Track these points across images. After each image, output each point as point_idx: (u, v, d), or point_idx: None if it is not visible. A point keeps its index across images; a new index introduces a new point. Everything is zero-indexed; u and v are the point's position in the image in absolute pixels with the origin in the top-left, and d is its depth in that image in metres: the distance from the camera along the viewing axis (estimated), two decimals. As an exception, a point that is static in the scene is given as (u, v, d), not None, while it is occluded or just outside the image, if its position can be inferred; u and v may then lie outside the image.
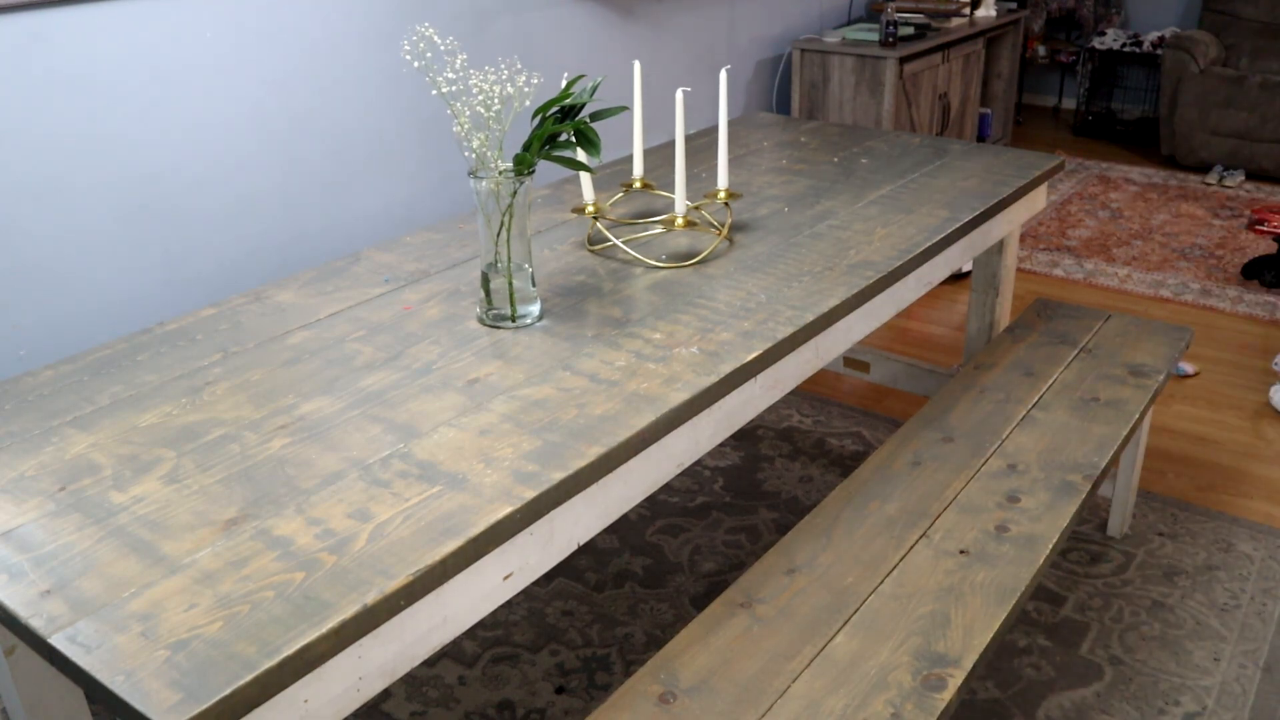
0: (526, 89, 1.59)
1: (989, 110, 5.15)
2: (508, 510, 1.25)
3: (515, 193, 1.60)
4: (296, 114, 2.57)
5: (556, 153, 1.63)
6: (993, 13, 4.82)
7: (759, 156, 2.58)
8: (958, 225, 2.10)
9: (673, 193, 2.01)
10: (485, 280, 1.69)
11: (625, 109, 1.71)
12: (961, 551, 1.68)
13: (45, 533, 1.23)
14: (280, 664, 1.03)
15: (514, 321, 1.70)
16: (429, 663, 2.15)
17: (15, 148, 2.08)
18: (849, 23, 4.65)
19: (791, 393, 3.15)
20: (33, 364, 2.18)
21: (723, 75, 1.99)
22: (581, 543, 1.40)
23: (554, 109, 1.62)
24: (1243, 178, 4.96)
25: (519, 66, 1.61)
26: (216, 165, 2.43)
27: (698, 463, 2.83)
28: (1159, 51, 5.44)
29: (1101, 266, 4.08)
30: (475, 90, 1.57)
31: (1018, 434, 2.01)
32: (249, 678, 1.01)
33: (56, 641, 1.06)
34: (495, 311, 1.70)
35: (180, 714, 0.97)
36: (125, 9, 2.19)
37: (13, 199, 2.09)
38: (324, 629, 1.07)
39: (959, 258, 2.20)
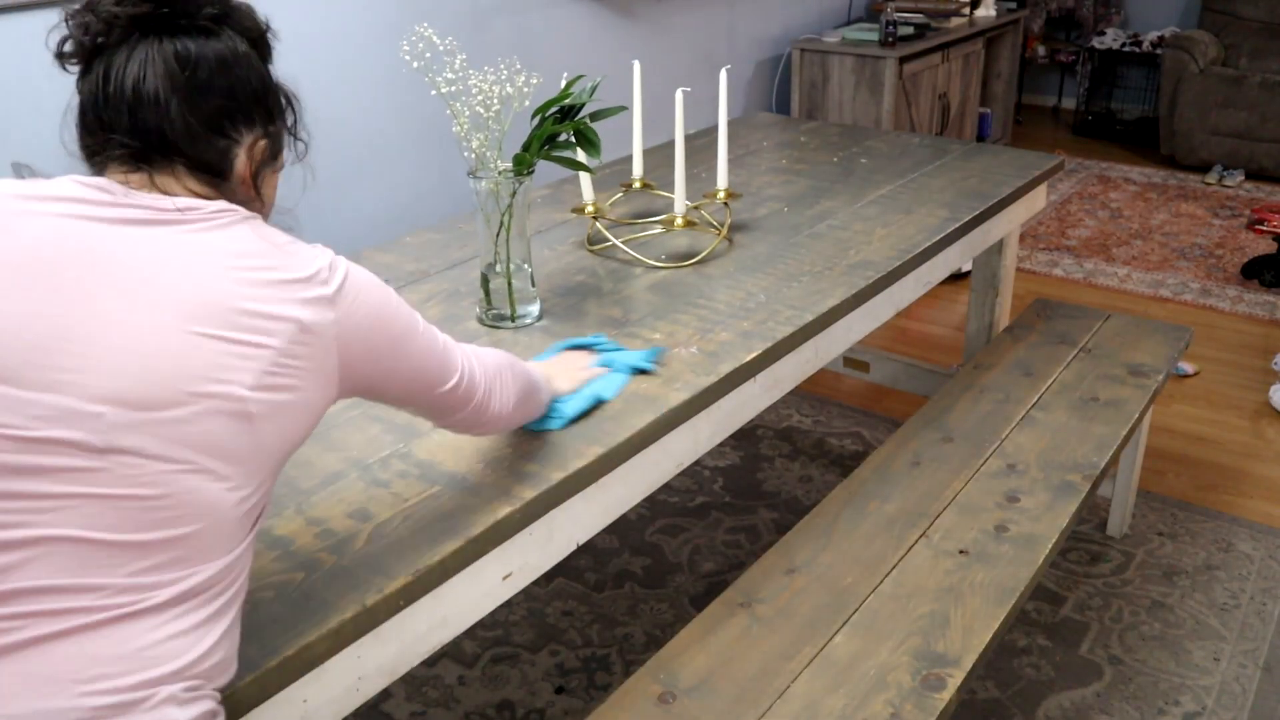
0: (526, 89, 1.59)
1: (989, 110, 5.15)
2: (507, 510, 1.25)
3: (515, 193, 1.60)
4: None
5: (556, 153, 1.63)
6: (992, 13, 4.82)
7: (759, 156, 2.58)
8: (957, 225, 2.10)
9: (672, 193, 2.01)
10: (485, 280, 1.69)
11: (625, 109, 1.71)
12: (961, 551, 1.68)
13: (45, 533, 1.23)
14: (280, 664, 1.03)
15: (514, 321, 1.70)
16: (429, 663, 2.15)
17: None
18: (849, 23, 4.65)
19: (791, 393, 3.15)
20: (33, 364, 2.18)
21: (722, 75, 1.99)
22: (581, 543, 1.40)
23: (553, 109, 1.62)
24: (1242, 177, 4.96)
25: (518, 66, 1.61)
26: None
27: (697, 463, 2.83)
28: (1159, 51, 5.44)
29: (1101, 266, 4.08)
30: (475, 90, 1.57)
31: (1017, 434, 2.01)
32: (249, 677, 1.01)
33: (56, 641, 1.06)
34: (495, 311, 1.70)
35: (180, 714, 0.97)
36: (125, 9, 2.18)
37: (12, 199, 2.09)
38: (323, 629, 1.07)
39: (958, 258, 2.20)
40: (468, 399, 1.16)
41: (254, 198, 1.02)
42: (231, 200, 0.97)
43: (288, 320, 0.91)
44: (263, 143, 1.01)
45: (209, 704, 0.89)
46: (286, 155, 1.08)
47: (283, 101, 1.04)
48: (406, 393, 1.09)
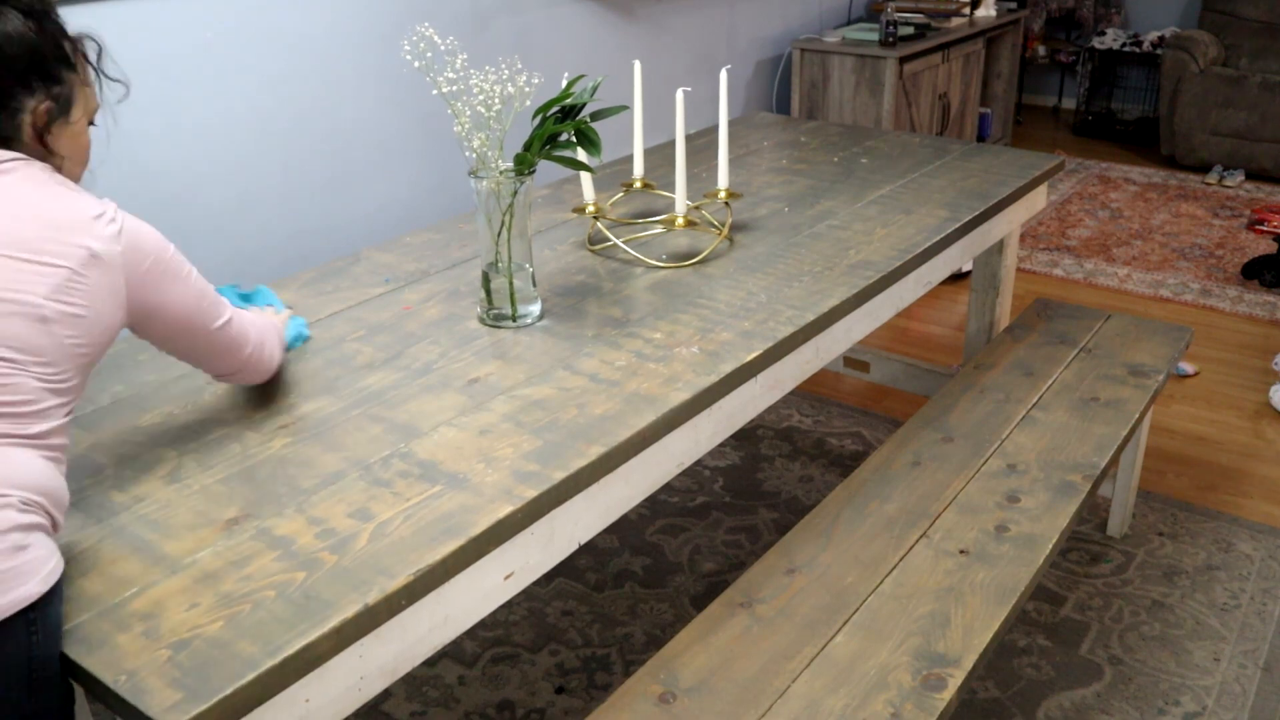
0: (527, 89, 1.59)
1: (989, 110, 5.15)
2: (508, 510, 1.25)
3: (515, 193, 1.60)
4: (296, 114, 2.57)
5: (557, 152, 1.63)
6: (993, 12, 4.82)
7: (759, 156, 2.58)
8: (958, 225, 2.10)
9: (673, 192, 2.01)
10: (485, 280, 1.69)
11: (625, 109, 1.71)
12: (961, 551, 1.68)
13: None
14: (281, 663, 1.03)
15: (514, 321, 1.70)
16: (429, 663, 2.15)
17: None
18: (849, 23, 4.65)
19: (791, 393, 3.15)
20: (33, 364, 2.18)
21: (723, 75, 1.99)
22: (582, 542, 1.40)
23: (554, 109, 1.62)
24: (1243, 178, 4.96)
25: (519, 66, 1.61)
26: (216, 164, 2.43)
27: (698, 463, 2.83)
28: (1159, 51, 5.44)
29: (1101, 266, 4.08)
30: (475, 90, 1.57)
31: (1018, 434, 2.01)
32: (250, 677, 1.01)
33: (57, 641, 1.07)
34: (495, 311, 1.70)
35: (181, 713, 0.98)
36: (125, 9, 2.19)
37: (13, 199, 2.09)
38: (325, 628, 1.07)
39: (959, 258, 2.20)
40: (241, 344, 1.36)
41: (48, 153, 1.18)
42: (30, 156, 1.14)
43: (80, 247, 1.11)
44: (45, 105, 1.16)
45: (38, 519, 1.07)
46: (105, 96, 1.25)
47: (69, 55, 1.18)
48: (185, 322, 1.26)
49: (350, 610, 1.09)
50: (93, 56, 1.22)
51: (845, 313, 1.80)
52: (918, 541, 1.71)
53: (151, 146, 2.29)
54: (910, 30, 4.23)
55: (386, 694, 2.08)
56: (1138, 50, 5.62)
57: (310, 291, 1.87)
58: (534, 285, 1.72)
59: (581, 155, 1.73)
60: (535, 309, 1.72)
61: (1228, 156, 5.01)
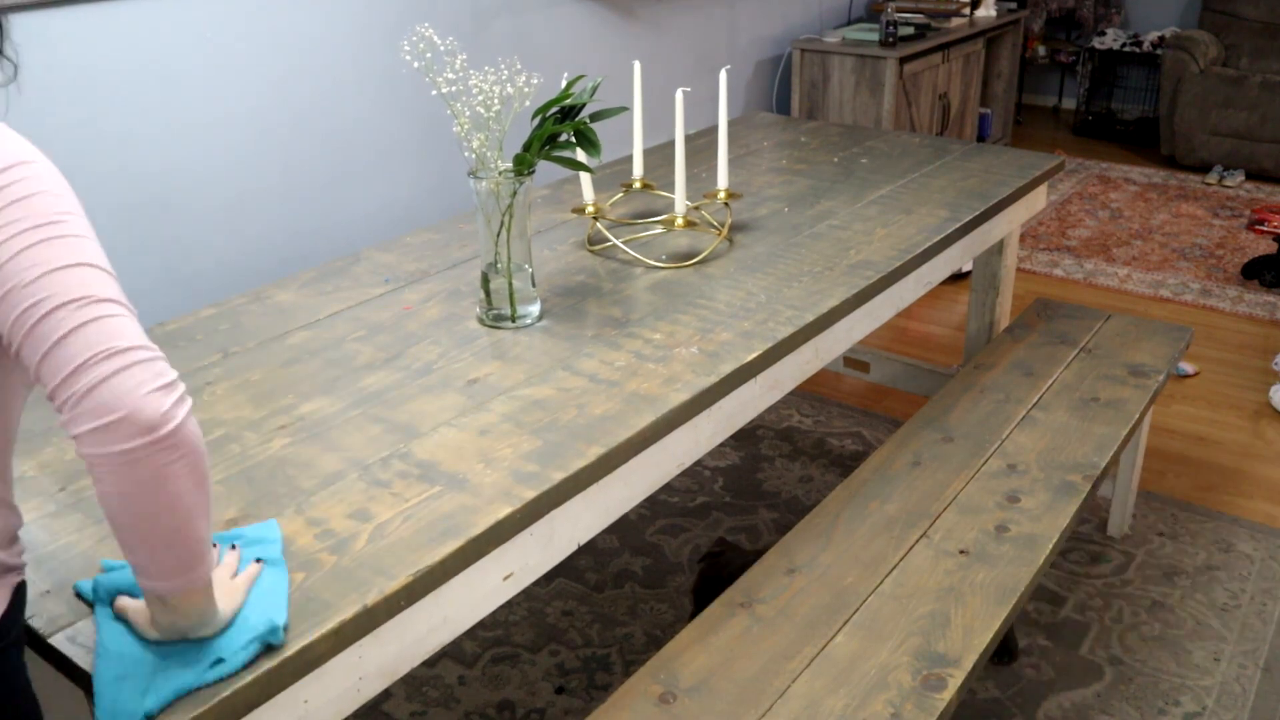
0: (526, 89, 1.59)
1: (989, 110, 5.14)
2: (508, 510, 1.25)
3: (515, 193, 1.60)
4: (296, 114, 2.57)
5: (556, 153, 1.63)
6: (993, 13, 4.82)
7: (759, 156, 2.58)
8: (958, 225, 2.10)
9: (673, 193, 2.01)
10: (485, 280, 1.69)
11: (625, 109, 1.71)
12: (961, 551, 1.68)
13: (45, 533, 1.23)
14: (280, 664, 1.03)
15: (514, 321, 1.70)
16: (429, 663, 2.15)
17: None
18: (849, 23, 4.65)
19: (791, 393, 3.15)
20: (33, 364, 2.18)
21: (722, 75, 1.99)
22: (581, 543, 1.40)
23: (554, 109, 1.62)
24: (1243, 178, 4.96)
25: (519, 67, 1.61)
26: (216, 164, 2.43)
27: (698, 463, 2.83)
28: (1159, 51, 5.44)
29: (1101, 266, 4.08)
30: (475, 90, 1.57)
31: (1018, 434, 2.01)
32: (249, 678, 1.01)
33: (56, 641, 1.06)
34: (495, 311, 1.70)
35: (181, 714, 0.97)
36: (125, 9, 2.19)
37: (13, 199, 2.09)
38: (324, 629, 1.07)
39: (959, 258, 2.20)
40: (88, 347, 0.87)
41: None
42: None
43: None
44: None
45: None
46: None
47: None
48: (23, 306, 0.88)
49: (349, 611, 1.09)
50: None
51: (845, 313, 1.80)
52: (918, 541, 1.70)
53: (151, 147, 2.29)
54: (910, 30, 4.23)
55: (387, 694, 2.08)
56: (1138, 50, 5.62)
57: (310, 291, 1.87)
58: (533, 285, 1.72)
59: (581, 156, 1.73)
60: (535, 309, 1.72)
61: (1228, 156, 5.01)
